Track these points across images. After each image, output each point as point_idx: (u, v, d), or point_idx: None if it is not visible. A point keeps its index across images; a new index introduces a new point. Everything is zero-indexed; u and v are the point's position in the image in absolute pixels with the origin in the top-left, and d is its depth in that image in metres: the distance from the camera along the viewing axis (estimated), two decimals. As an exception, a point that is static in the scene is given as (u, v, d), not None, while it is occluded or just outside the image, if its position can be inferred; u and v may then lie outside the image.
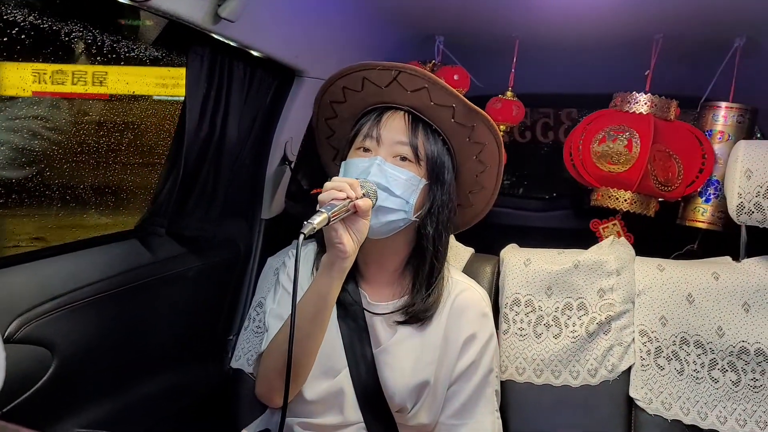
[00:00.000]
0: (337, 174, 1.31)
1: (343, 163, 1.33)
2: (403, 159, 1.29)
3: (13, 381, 1.13)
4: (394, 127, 1.30)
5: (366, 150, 1.31)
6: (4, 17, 1.25)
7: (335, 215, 1.10)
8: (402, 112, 1.33)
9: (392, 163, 1.27)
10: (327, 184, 1.15)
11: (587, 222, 2.00)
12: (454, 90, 1.29)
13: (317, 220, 1.07)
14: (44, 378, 1.20)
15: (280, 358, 1.26)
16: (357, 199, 1.14)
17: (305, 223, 1.06)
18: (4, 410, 1.12)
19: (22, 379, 1.16)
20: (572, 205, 2.77)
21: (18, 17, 1.26)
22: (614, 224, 1.92)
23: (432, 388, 1.32)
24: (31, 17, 1.28)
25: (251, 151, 1.71)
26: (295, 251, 1.45)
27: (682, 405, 1.48)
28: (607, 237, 1.80)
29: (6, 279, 1.19)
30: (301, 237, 1.04)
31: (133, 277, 1.42)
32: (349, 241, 1.16)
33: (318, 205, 1.13)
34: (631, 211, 1.85)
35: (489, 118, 1.33)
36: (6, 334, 1.13)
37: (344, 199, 1.12)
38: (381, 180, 1.24)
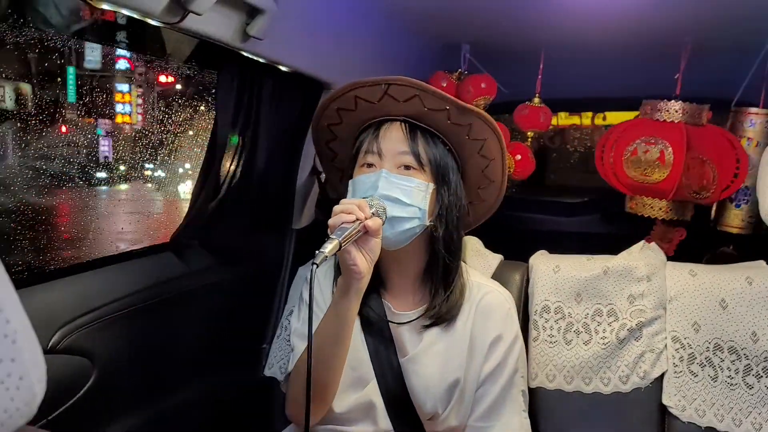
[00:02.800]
0: (346, 194, 1.32)
1: (350, 182, 1.34)
2: (408, 168, 1.29)
3: (57, 390, 1.18)
4: (393, 138, 1.31)
5: (369, 165, 1.31)
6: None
7: (346, 239, 1.10)
8: (398, 122, 1.33)
9: (398, 174, 1.28)
10: (336, 208, 1.16)
11: (620, 226, 1.98)
12: (444, 93, 1.29)
13: (328, 248, 1.07)
14: (86, 387, 1.24)
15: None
16: (366, 219, 1.15)
17: (317, 252, 1.06)
18: (50, 418, 1.16)
19: (66, 388, 1.21)
20: (604, 210, 2.74)
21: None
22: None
23: (461, 388, 1.32)
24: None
25: (281, 162, 1.75)
26: (315, 266, 1.48)
27: (716, 412, 1.46)
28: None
29: (49, 292, 1.24)
30: (314, 267, 1.05)
31: (168, 288, 1.46)
32: (362, 262, 1.17)
33: (328, 230, 1.13)
34: (667, 219, 1.84)
35: (484, 113, 1.32)
36: (49, 345, 1.18)
37: (354, 221, 1.13)
38: (390, 192, 1.25)
